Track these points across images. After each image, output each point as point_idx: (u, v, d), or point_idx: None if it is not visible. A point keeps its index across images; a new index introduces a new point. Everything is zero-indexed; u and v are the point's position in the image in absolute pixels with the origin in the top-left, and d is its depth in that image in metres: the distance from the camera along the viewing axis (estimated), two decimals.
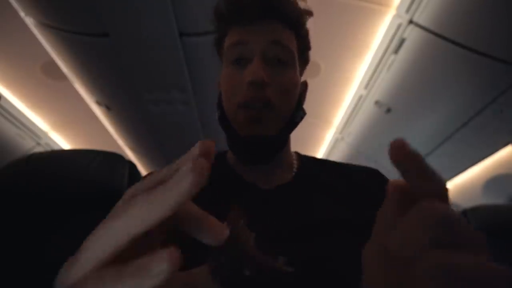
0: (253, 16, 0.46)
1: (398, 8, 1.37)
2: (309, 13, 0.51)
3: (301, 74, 0.53)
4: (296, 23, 0.49)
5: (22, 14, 1.33)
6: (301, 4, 0.50)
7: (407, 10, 1.33)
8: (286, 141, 0.51)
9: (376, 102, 1.85)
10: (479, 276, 0.15)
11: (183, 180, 0.16)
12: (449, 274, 0.15)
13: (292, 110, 0.48)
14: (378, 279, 0.20)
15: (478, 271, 0.15)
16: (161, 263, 0.15)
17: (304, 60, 0.53)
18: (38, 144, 2.29)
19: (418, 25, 1.35)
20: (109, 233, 0.16)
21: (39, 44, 1.49)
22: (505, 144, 1.82)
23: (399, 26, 1.41)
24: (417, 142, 1.99)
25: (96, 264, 0.16)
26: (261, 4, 0.46)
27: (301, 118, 0.50)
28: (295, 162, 0.54)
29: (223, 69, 0.50)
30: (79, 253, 0.17)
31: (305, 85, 0.54)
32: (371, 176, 0.53)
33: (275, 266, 0.21)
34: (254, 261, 0.21)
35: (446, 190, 0.19)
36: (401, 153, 0.19)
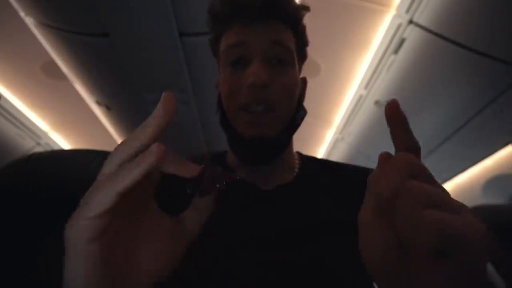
0: (251, 16, 0.45)
1: (398, 8, 1.37)
2: (306, 8, 0.50)
3: (299, 71, 0.52)
4: (294, 21, 0.48)
5: (22, 14, 1.33)
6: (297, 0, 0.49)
7: (407, 10, 1.33)
8: (288, 142, 0.51)
9: (376, 102, 1.85)
10: (467, 232, 0.18)
11: (147, 158, 0.21)
12: (422, 195, 0.20)
13: (293, 110, 0.48)
14: (372, 236, 0.23)
15: (467, 228, 0.18)
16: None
17: (303, 56, 0.53)
18: (38, 144, 2.29)
19: (418, 25, 1.35)
20: (107, 188, 0.21)
21: (39, 44, 1.49)
22: (505, 144, 1.82)
23: (399, 26, 1.41)
24: None
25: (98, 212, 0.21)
26: (259, 4, 0.45)
27: (302, 118, 0.50)
28: (296, 162, 0.54)
29: (221, 70, 0.49)
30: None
31: (304, 82, 0.54)
32: None
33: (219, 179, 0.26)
34: (198, 179, 0.25)
35: (419, 150, 0.26)
36: (394, 110, 0.25)
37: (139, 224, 0.25)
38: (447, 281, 0.19)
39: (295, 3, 0.48)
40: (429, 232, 0.18)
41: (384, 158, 0.25)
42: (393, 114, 0.25)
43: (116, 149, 0.23)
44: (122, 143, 0.23)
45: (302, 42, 0.51)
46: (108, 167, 0.22)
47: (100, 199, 0.21)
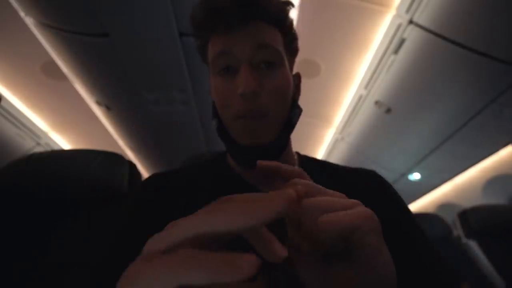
0: (233, 21, 0.43)
1: (398, 8, 1.37)
2: (289, 3, 0.48)
3: (291, 66, 0.51)
4: (278, 19, 0.46)
5: (22, 14, 1.33)
6: None
7: (407, 10, 1.33)
8: (286, 143, 0.50)
9: (376, 102, 1.85)
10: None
11: (279, 199, 0.18)
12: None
13: (288, 110, 0.48)
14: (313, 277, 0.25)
15: (357, 218, 0.23)
16: (247, 262, 0.16)
17: (293, 52, 0.51)
18: (38, 144, 2.29)
19: (418, 25, 1.35)
20: (201, 224, 0.17)
21: (39, 44, 1.49)
22: (505, 144, 1.82)
23: (399, 26, 1.41)
24: (417, 142, 1.99)
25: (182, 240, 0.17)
26: (239, 8, 0.43)
27: (298, 116, 0.50)
28: (296, 163, 0.54)
29: (211, 79, 0.48)
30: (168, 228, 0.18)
31: (298, 77, 0.53)
32: (369, 177, 0.53)
33: None
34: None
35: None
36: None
37: None
38: (357, 276, 0.22)
39: (276, 1, 0.47)
40: (327, 234, 0.20)
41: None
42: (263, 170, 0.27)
43: None
44: None
45: (290, 38, 0.49)
46: None
47: None
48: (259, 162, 0.29)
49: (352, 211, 0.24)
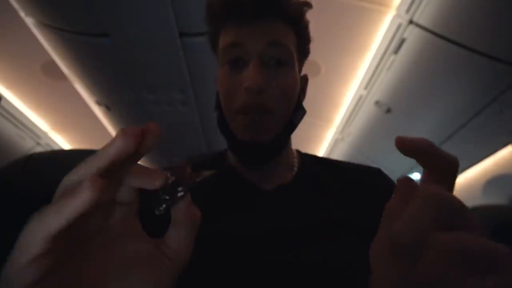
0: (249, 14, 0.43)
1: (398, 8, 1.37)
2: (307, 4, 0.47)
3: (300, 68, 0.50)
4: (294, 19, 0.46)
5: (22, 14, 1.33)
6: None
7: (407, 10, 1.33)
8: (286, 143, 0.50)
9: (376, 102, 1.85)
10: (488, 254, 0.15)
11: (79, 196, 0.18)
12: (461, 255, 0.15)
13: (292, 111, 0.47)
14: (385, 275, 0.20)
15: (487, 250, 0.15)
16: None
17: (304, 54, 0.51)
18: (38, 144, 2.29)
19: (418, 25, 1.35)
20: (35, 231, 0.19)
21: (39, 44, 1.49)
22: (505, 144, 1.82)
23: (399, 26, 1.41)
24: None
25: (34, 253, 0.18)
26: (258, 2, 0.43)
27: (301, 117, 0.49)
28: (296, 160, 0.53)
29: (219, 69, 0.48)
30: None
31: (305, 79, 0.52)
32: (373, 175, 0.52)
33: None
34: (183, 183, 0.22)
35: (455, 169, 0.21)
36: (405, 148, 0.21)
37: (117, 251, 0.22)
38: None
39: (296, 1, 0.46)
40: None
41: (404, 184, 0.21)
42: (409, 151, 0.21)
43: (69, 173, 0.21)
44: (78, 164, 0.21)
45: (303, 39, 0.49)
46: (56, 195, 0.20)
47: (27, 243, 0.18)
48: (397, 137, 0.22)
49: None
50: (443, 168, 0.21)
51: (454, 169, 0.21)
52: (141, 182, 0.21)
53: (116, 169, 0.21)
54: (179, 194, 0.22)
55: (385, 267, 0.20)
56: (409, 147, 0.21)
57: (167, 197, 0.22)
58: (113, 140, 0.20)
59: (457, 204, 0.17)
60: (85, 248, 0.21)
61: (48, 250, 0.18)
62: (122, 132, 0.20)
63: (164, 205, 0.22)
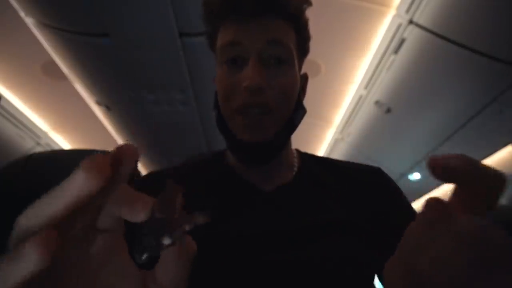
0: (247, 12, 0.42)
1: (398, 8, 1.37)
2: (307, 2, 0.47)
3: (300, 67, 0.50)
4: (294, 17, 0.45)
5: (22, 14, 1.33)
6: None
7: (407, 10, 1.33)
8: (285, 143, 0.50)
9: (376, 102, 1.85)
10: None
11: (21, 261, 0.15)
12: None
13: (292, 110, 0.47)
14: None
15: None
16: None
17: (304, 52, 0.50)
18: (38, 144, 2.29)
19: (418, 25, 1.35)
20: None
21: (39, 44, 1.49)
22: (505, 144, 1.82)
23: (399, 26, 1.41)
24: (417, 142, 1.99)
25: None
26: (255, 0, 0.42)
27: (301, 117, 0.49)
28: (295, 160, 0.53)
29: (217, 68, 0.47)
30: None
31: (305, 78, 0.52)
32: (373, 174, 0.52)
33: (189, 224, 0.18)
34: (171, 227, 0.18)
35: (502, 189, 0.17)
36: (438, 170, 0.18)
37: (100, 284, 0.20)
38: None
39: None
40: None
41: (433, 207, 0.19)
42: (441, 174, 0.18)
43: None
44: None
45: (303, 37, 0.48)
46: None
47: None
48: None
49: None
50: (486, 187, 0.17)
51: (500, 189, 0.17)
52: (122, 212, 0.18)
53: (85, 202, 0.17)
54: (165, 243, 0.18)
55: (397, 285, 0.19)
56: (443, 168, 0.17)
57: (151, 243, 0.18)
58: (73, 175, 0.17)
59: (502, 243, 0.15)
60: (62, 284, 0.18)
61: None
62: (83, 167, 0.16)
63: (145, 254, 0.18)
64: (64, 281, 0.18)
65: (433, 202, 0.19)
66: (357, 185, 0.49)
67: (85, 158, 0.17)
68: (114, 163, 0.18)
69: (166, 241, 0.18)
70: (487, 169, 0.17)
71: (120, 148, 0.18)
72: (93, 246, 0.20)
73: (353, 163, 0.55)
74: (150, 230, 0.18)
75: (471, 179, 0.17)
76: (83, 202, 0.17)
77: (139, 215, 0.18)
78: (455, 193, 0.19)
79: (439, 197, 0.19)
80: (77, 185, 0.16)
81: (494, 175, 0.17)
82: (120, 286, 0.20)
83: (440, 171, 0.17)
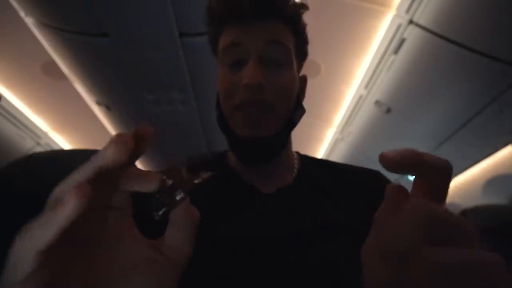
0: (247, 15, 0.44)
1: (398, 8, 1.37)
2: (304, 7, 0.49)
3: (299, 69, 0.51)
4: (292, 20, 0.47)
5: (22, 14, 1.33)
6: None
7: (407, 10, 1.33)
8: (286, 141, 0.50)
9: (376, 102, 1.85)
10: (473, 267, 0.16)
11: (64, 207, 0.18)
12: (446, 270, 0.16)
13: (291, 110, 0.47)
14: (377, 276, 0.20)
15: (472, 263, 0.16)
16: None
17: (302, 55, 0.52)
18: (38, 144, 2.29)
19: (418, 25, 1.35)
20: (24, 248, 0.18)
21: (39, 44, 1.49)
22: (505, 144, 1.82)
23: (399, 26, 1.41)
24: (417, 142, 1.99)
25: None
26: (255, 4, 0.44)
27: (300, 116, 0.50)
28: (296, 162, 0.53)
29: (219, 70, 0.49)
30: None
31: (304, 79, 0.53)
32: (373, 178, 0.52)
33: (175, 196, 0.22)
34: (181, 186, 0.22)
35: (447, 175, 0.20)
36: (390, 164, 0.20)
37: (117, 255, 0.22)
38: None
39: (293, 2, 0.48)
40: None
41: (394, 192, 0.21)
42: (394, 166, 0.20)
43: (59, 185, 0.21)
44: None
45: (301, 41, 0.50)
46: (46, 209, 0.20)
47: (18, 261, 0.18)
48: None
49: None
50: (434, 175, 0.20)
51: (446, 175, 0.20)
52: (137, 186, 0.21)
53: (109, 175, 0.21)
54: (177, 198, 0.22)
55: (375, 268, 0.20)
56: (393, 162, 0.20)
57: (166, 201, 0.22)
58: (105, 148, 0.20)
59: (447, 218, 0.17)
60: (86, 252, 0.21)
61: (42, 265, 0.18)
62: (114, 140, 0.20)
63: (163, 210, 0.22)
64: (86, 252, 0.21)
65: (395, 187, 0.21)
66: (357, 188, 0.49)
67: (92, 155, 0.20)
68: (136, 140, 0.21)
69: (178, 195, 0.22)
70: (432, 159, 0.20)
71: (140, 129, 0.22)
72: (106, 222, 0.23)
73: (353, 166, 0.56)
74: (163, 191, 0.21)
75: (420, 170, 0.20)
76: (109, 172, 0.20)
77: (153, 184, 0.21)
78: (415, 184, 0.21)
79: (401, 185, 0.21)
80: (108, 156, 0.20)
81: (439, 164, 0.20)
82: (135, 256, 0.23)
83: (390, 165, 0.20)
